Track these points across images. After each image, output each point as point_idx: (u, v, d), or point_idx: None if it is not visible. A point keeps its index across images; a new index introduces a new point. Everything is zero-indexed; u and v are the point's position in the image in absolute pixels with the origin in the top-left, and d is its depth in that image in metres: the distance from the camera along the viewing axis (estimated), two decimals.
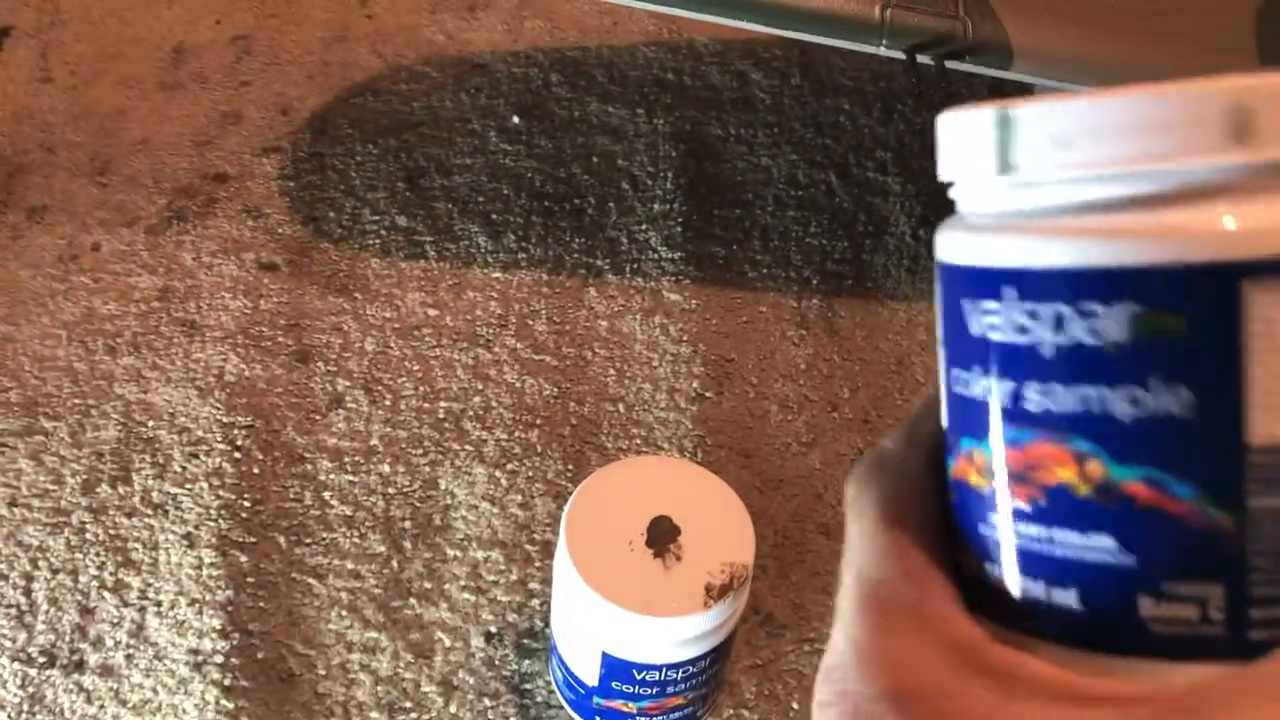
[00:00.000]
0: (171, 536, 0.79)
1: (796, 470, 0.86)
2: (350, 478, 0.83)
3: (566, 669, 0.69)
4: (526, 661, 0.74)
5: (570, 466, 0.85)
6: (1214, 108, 0.21)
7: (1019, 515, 0.23)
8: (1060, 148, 0.21)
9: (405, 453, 0.84)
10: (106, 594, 0.76)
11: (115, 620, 0.75)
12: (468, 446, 0.85)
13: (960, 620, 0.24)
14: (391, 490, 0.82)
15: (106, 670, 0.72)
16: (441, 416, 0.87)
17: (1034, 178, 0.22)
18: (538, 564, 0.79)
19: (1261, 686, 0.21)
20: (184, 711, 0.71)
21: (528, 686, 0.73)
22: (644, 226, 1.03)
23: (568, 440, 0.86)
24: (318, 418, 0.86)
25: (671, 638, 0.63)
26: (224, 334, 0.92)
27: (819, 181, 1.09)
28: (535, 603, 0.77)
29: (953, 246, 0.24)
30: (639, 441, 0.86)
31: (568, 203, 1.05)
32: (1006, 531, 0.23)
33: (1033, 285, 0.22)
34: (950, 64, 0.81)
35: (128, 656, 0.73)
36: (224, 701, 0.71)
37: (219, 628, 0.74)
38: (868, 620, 0.24)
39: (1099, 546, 0.22)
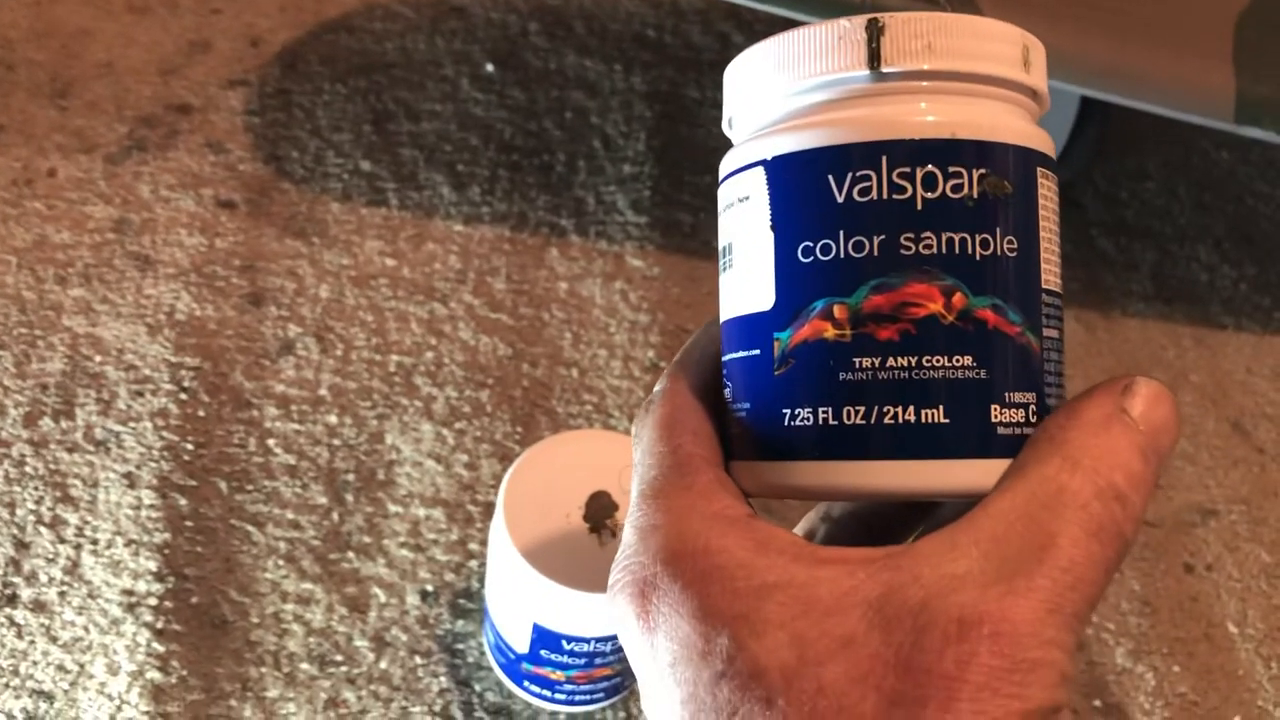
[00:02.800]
0: (112, 475, 0.78)
1: None
2: (296, 426, 0.82)
3: (498, 634, 0.69)
4: (460, 622, 0.75)
5: (519, 429, 0.85)
6: (1017, 45, 0.29)
7: (889, 348, 0.27)
8: (926, 52, 0.28)
9: (353, 404, 0.84)
10: (43, 529, 0.75)
11: (50, 556, 0.74)
12: (417, 402, 0.85)
13: (726, 499, 0.28)
14: (337, 442, 0.82)
15: (39, 606, 0.72)
16: (392, 370, 0.86)
17: (901, 73, 0.28)
18: (479, 525, 0.79)
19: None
20: (114, 651, 0.71)
21: (460, 646, 0.74)
22: (612, 188, 1.02)
23: (518, 402, 0.86)
24: (267, 363, 0.86)
25: (601, 613, 0.63)
26: (177, 271, 0.90)
27: None
28: (473, 564, 0.77)
29: (809, 136, 0.29)
30: (590, 408, 0.86)
31: (536, 158, 1.03)
32: (873, 367, 0.28)
33: (908, 153, 0.28)
34: None
35: (61, 593, 0.73)
36: (155, 644, 0.71)
37: (154, 570, 0.74)
38: (644, 506, 0.28)
39: (962, 365, 0.27)
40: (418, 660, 0.73)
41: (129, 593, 0.73)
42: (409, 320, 0.90)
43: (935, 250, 0.27)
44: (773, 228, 0.29)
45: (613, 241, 0.98)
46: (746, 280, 0.30)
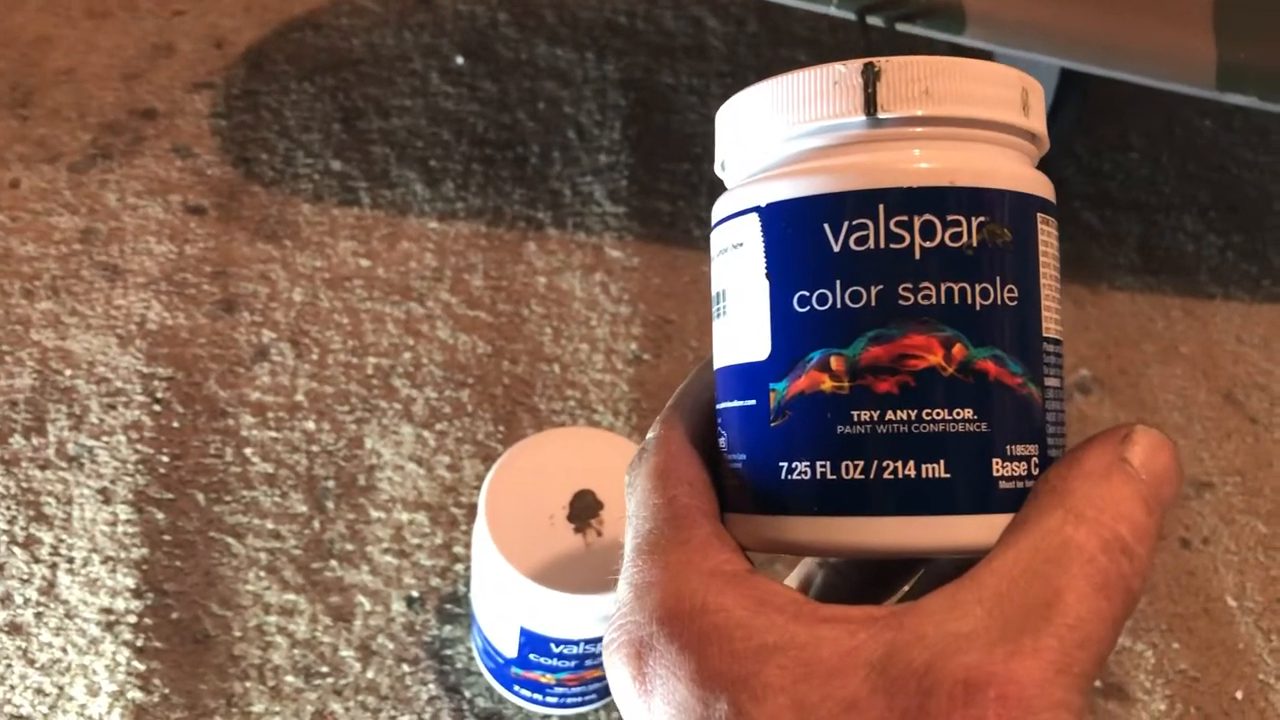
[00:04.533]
0: (86, 491, 0.77)
1: None
2: (273, 434, 0.81)
3: (485, 639, 0.68)
4: (448, 627, 0.73)
5: (501, 428, 0.83)
6: (1015, 88, 0.29)
7: (888, 401, 0.27)
8: (923, 98, 0.28)
9: (331, 409, 0.82)
10: (16, 549, 0.74)
11: (25, 577, 0.73)
12: (396, 405, 0.83)
13: (723, 553, 0.27)
14: (315, 448, 0.80)
15: (14, 628, 0.71)
16: (370, 373, 0.85)
17: (898, 120, 0.28)
18: (463, 527, 0.77)
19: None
20: (94, 672, 0.69)
21: (448, 652, 0.72)
22: (588, 178, 1.00)
23: (499, 401, 0.84)
24: (241, 370, 0.84)
25: (590, 614, 0.62)
26: (147, 280, 0.88)
27: None
28: (459, 567, 0.76)
29: (805, 184, 0.28)
30: (573, 404, 0.85)
31: (510, 151, 1.02)
32: (872, 420, 0.27)
33: (905, 201, 0.27)
34: (902, 26, 0.79)
35: (37, 614, 0.71)
36: (135, 663, 0.70)
37: (133, 586, 0.73)
38: (640, 562, 0.27)
39: (962, 418, 0.27)
40: (405, 668, 0.72)
41: (107, 611, 0.72)
42: (385, 321, 0.88)
43: (934, 301, 0.27)
44: (768, 276, 0.28)
45: (591, 233, 0.96)
46: (741, 329, 0.29)
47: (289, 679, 0.70)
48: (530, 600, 0.61)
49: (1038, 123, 0.29)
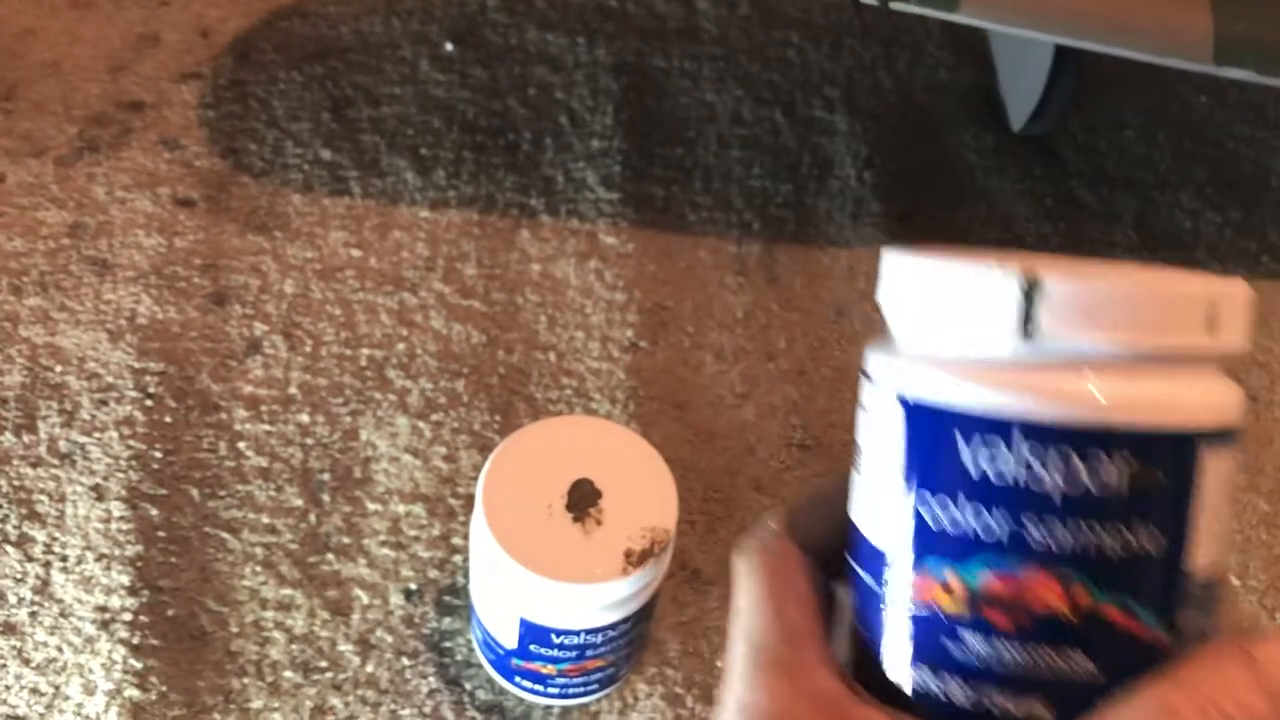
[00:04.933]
0: (79, 488, 0.76)
1: (729, 423, 0.84)
2: (267, 427, 0.80)
3: (485, 630, 0.67)
4: (447, 619, 0.73)
5: (497, 418, 0.82)
6: (1198, 305, 0.26)
7: (1000, 635, 0.26)
8: (1087, 322, 0.25)
9: (325, 402, 0.82)
10: (10, 548, 0.73)
11: (19, 576, 0.72)
12: (390, 396, 0.82)
13: (831, 680, 0.28)
14: (310, 441, 0.79)
15: (9, 628, 0.70)
16: (363, 364, 0.84)
17: (1056, 343, 0.26)
18: (461, 518, 0.77)
19: None
20: (90, 670, 0.69)
21: (448, 645, 0.72)
22: (581, 164, 0.99)
23: (495, 390, 0.84)
24: (234, 364, 0.83)
25: (590, 604, 0.61)
26: (137, 274, 0.87)
27: (764, 119, 1.05)
28: (457, 559, 0.75)
29: (947, 389, 0.27)
30: (570, 392, 0.84)
31: (502, 137, 1.01)
32: (981, 649, 0.26)
33: (1045, 434, 0.25)
34: (896, 5, 0.78)
35: (32, 614, 0.71)
36: (132, 660, 0.69)
37: (128, 584, 0.72)
38: (752, 680, 0.28)
39: (1079, 667, 0.25)
40: (405, 661, 0.71)
41: (102, 609, 0.71)
42: (378, 312, 0.87)
43: (1065, 544, 0.25)
44: (902, 469, 0.27)
45: (585, 219, 0.95)
46: (871, 502, 0.29)
47: (287, 674, 0.70)
48: (529, 590, 0.61)
49: (1230, 338, 0.27)
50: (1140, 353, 0.25)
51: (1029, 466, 0.25)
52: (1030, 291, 0.25)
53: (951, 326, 0.27)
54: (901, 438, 0.28)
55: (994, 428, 0.26)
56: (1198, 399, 0.26)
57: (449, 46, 1.07)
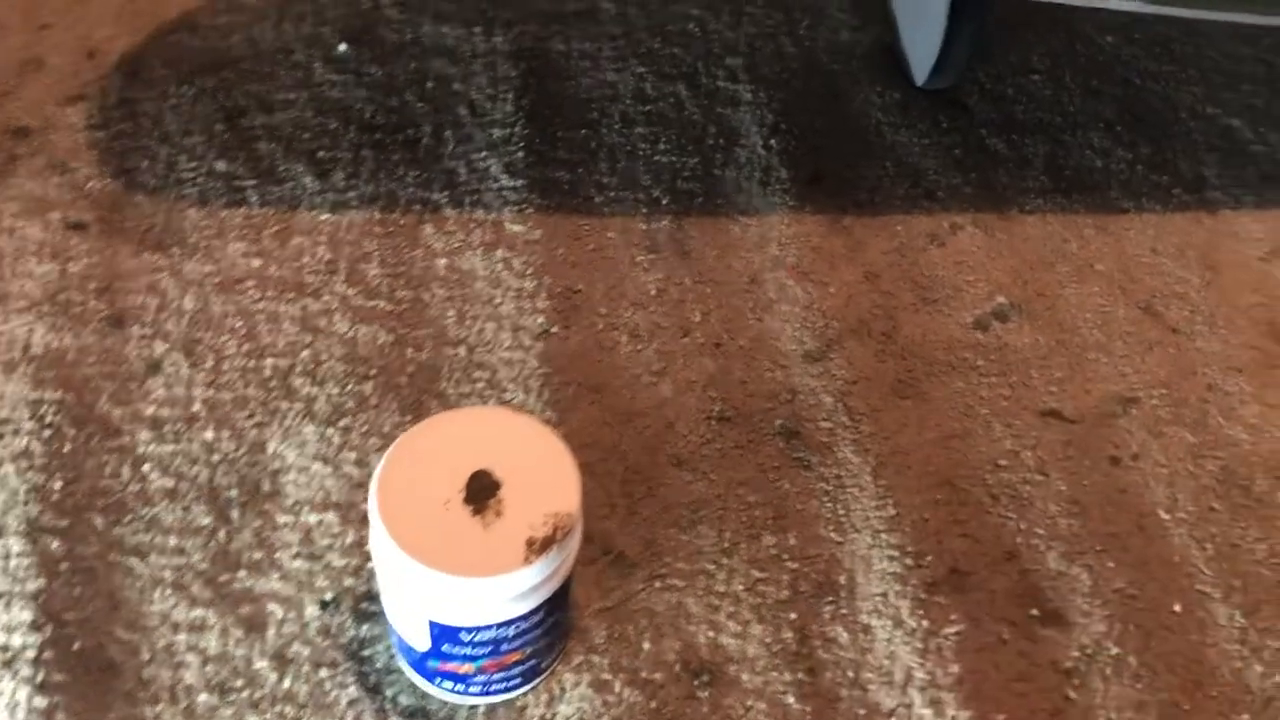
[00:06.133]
0: None
1: (647, 401, 0.83)
2: (171, 448, 0.78)
3: (399, 634, 0.66)
4: (365, 626, 0.71)
5: (409, 418, 0.81)
6: None
7: None
8: None
9: (230, 416, 0.80)
10: None
11: None
12: (297, 404, 0.80)
13: None
14: (216, 458, 0.78)
15: None
16: (268, 375, 0.82)
17: None
18: None
19: None
20: None
21: (367, 652, 0.70)
22: (483, 154, 0.98)
23: (405, 390, 0.82)
24: (134, 386, 0.81)
25: (495, 597, 0.60)
26: (29, 303, 0.85)
27: (667, 94, 1.04)
28: (374, 564, 0.73)
29: None
30: (482, 385, 0.83)
31: (401, 133, 0.99)
32: None
33: None
34: None
35: None
36: (37, 699, 0.67)
37: (30, 620, 0.70)
38: None
39: None
40: (323, 673, 0.69)
41: (4, 649, 0.69)
42: (281, 320, 0.85)
43: None
44: None
45: (490, 209, 0.94)
46: None
47: (202, 697, 0.68)
48: (432, 590, 0.59)
49: None
50: None
51: None
52: None
53: None
54: None
55: None
56: None
57: (343, 47, 1.05)
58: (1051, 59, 1.10)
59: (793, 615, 0.73)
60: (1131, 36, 1.12)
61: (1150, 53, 1.11)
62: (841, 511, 0.78)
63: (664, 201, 0.96)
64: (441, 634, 0.62)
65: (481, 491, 0.61)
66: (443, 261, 0.90)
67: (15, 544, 0.73)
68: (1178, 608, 0.75)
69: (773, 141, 1.01)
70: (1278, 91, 1.08)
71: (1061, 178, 1.00)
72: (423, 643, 0.64)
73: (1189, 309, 0.92)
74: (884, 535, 0.77)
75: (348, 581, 0.73)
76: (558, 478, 0.62)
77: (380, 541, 0.60)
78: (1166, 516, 0.79)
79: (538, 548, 0.59)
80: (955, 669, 0.71)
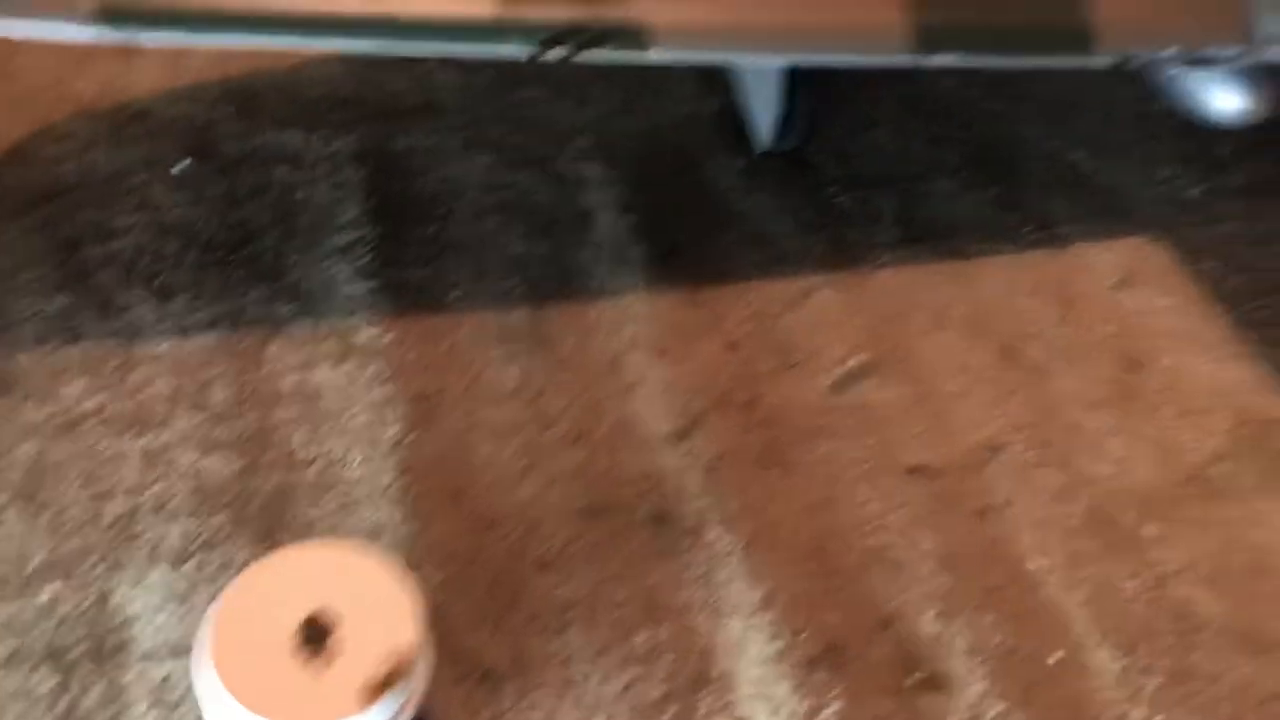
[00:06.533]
0: None
1: (510, 503, 0.81)
2: (8, 610, 0.74)
3: None
4: None
5: (264, 546, 0.78)
6: None
7: None
8: None
9: (73, 568, 0.76)
10: None
11: None
12: (144, 547, 0.77)
13: None
14: (58, 615, 0.74)
15: None
16: (112, 519, 0.79)
17: None
18: None
19: None
20: None
21: None
22: (330, 261, 0.96)
23: (256, 520, 0.79)
24: None
25: None
26: None
27: (516, 182, 1.03)
28: None
29: None
30: (335, 506, 0.80)
31: (244, 249, 0.96)
32: None
33: None
34: (584, 56, 0.76)
35: None
36: None
37: None
38: None
39: None
40: None
41: None
42: (124, 459, 0.82)
43: None
44: None
45: (339, 319, 0.92)
46: None
47: None
48: None
49: None
50: None
51: None
52: None
53: None
54: None
55: None
56: None
57: (182, 165, 1.03)
58: (895, 110, 1.11)
59: (669, 715, 0.71)
60: (972, 79, 1.14)
61: (991, 93, 1.13)
62: (713, 596, 0.76)
63: (519, 292, 0.94)
64: None
65: (317, 634, 0.59)
66: (291, 379, 0.87)
67: None
68: (1057, 657, 0.75)
69: (625, 220, 1.00)
70: (1115, 121, 1.11)
71: (912, 228, 1.01)
72: None
73: (1047, 347, 0.92)
74: (757, 616, 0.76)
75: None
76: (399, 613, 0.60)
77: (214, 691, 0.57)
78: (1038, 563, 0.79)
79: (376, 690, 0.57)
80: None
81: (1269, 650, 0.75)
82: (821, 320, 0.93)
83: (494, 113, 1.09)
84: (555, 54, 0.76)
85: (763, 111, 1.04)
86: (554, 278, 0.96)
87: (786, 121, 1.01)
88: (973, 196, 1.03)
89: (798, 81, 1.00)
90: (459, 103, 1.10)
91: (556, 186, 1.03)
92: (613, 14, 0.75)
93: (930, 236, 1.00)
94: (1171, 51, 0.85)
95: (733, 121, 1.09)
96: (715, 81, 1.13)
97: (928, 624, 0.76)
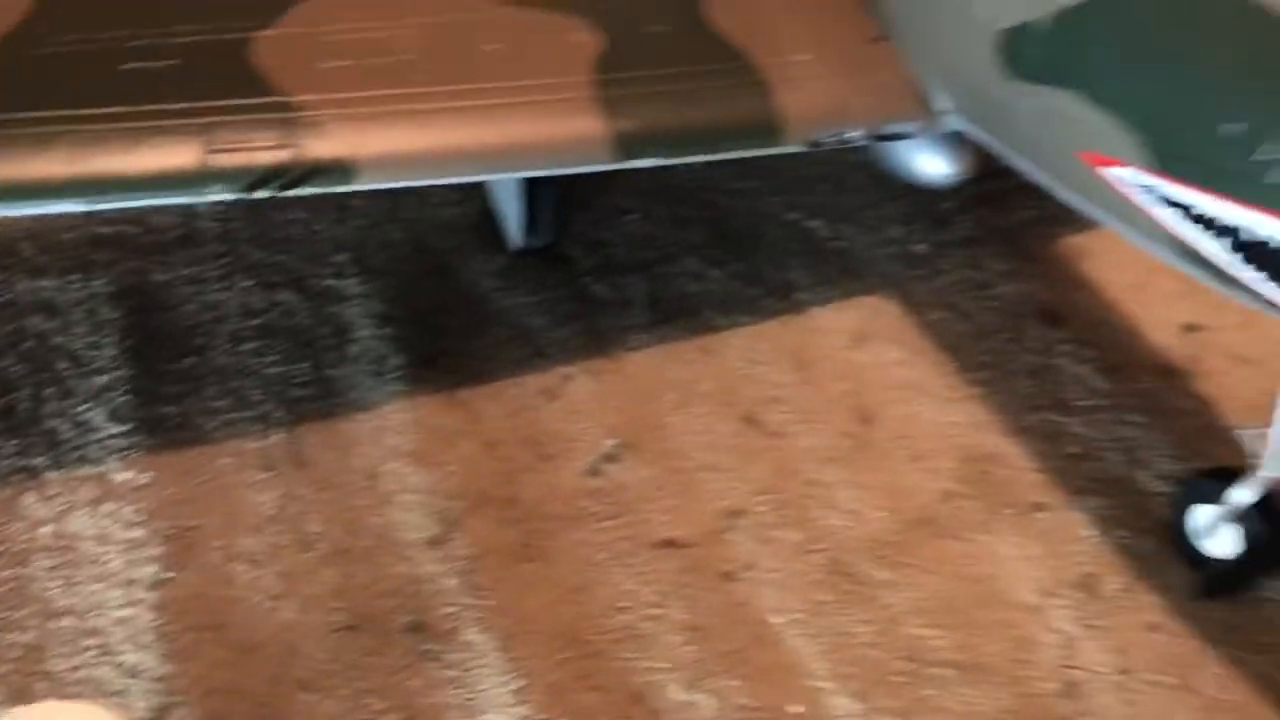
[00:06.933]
0: None
1: (269, 629, 0.82)
2: None
3: None
4: None
5: (18, 704, 0.77)
6: None
7: None
8: None
9: None
10: None
11: None
12: None
13: None
14: None
15: None
16: None
17: None
18: None
19: None
20: None
21: None
22: (86, 406, 0.96)
23: (10, 678, 0.79)
24: None
25: None
26: None
27: (275, 304, 1.05)
28: None
29: None
30: (92, 655, 0.80)
31: None
32: None
33: None
34: (292, 192, 0.80)
35: None
36: None
37: None
38: None
39: None
40: None
41: None
42: None
43: None
44: None
45: (95, 463, 0.92)
46: None
47: None
48: None
49: None
50: None
51: None
52: None
53: None
54: None
55: None
56: None
57: None
58: (643, 196, 1.17)
59: None
60: (714, 161, 1.21)
61: (732, 172, 1.20)
62: (469, 696, 0.79)
63: (277, 415, 0.96)
64: None
65: None
66: (47, 529, 0.88)
67: None
68: (797, 711, 0.79)
69: (385, 330, 1.03)
70: (846, 188, 1.18)
71: (661, 309, 1.06)
72: None
73: (786, 410, 0.98)
74: (513, 710, 0.78)
75: None
76: None
77: None
78: (780, 620, 0.84)
79: None
80: None
81: (990, 675, 0.80)
82: (577, 409, 0.98)
83: (254, 236, 1.11)
84: (262, 193, 0.79)
85: (512, 213, 1.09)
86: (313, 396, 0.98)
87: (532, 221, 1.06)
88: (717, 273, 1.10)
89: (537, 182, 1.05)
90: (220, 231, 1.12)
91: (316, 303, 1.05)
92: (314, 153, 0.79)
93: (679, 315, 1.06)
94: (859, 133, 0.92)
95: (491, 223, 1.13)
96: (472, 187, 1.17)
97: (675, 693, 0.79)
